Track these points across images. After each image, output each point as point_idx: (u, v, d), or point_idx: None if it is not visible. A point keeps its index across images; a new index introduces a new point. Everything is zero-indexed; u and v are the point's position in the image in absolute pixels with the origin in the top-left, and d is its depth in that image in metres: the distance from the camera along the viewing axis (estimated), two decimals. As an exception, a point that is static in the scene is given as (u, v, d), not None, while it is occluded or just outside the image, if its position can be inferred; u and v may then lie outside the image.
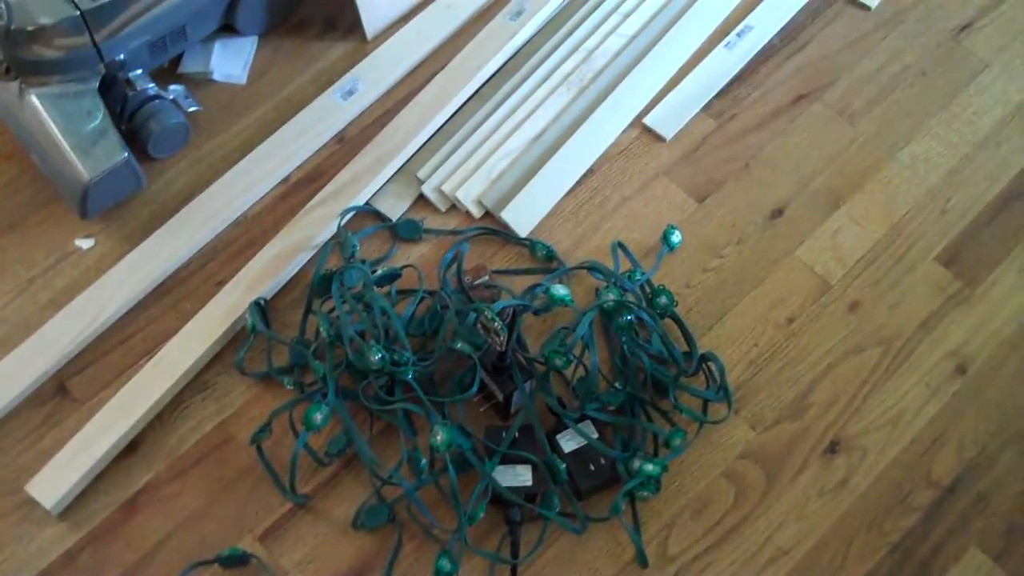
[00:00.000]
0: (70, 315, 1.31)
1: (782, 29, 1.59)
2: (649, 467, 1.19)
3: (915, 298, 1.37)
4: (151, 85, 1.40)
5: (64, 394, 1.29)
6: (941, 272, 1.39)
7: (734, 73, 1.54)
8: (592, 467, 1.22)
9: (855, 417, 1.29)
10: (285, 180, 1.45)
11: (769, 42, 1.58)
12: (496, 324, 1.14)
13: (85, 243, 1.39)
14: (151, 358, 1.30)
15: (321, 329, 1.25)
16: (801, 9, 1.61)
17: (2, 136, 1.46)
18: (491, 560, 1.19)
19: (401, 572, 1.19)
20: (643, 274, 1.35)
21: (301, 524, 1.22)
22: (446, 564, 1.16)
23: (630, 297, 1.29)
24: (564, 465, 1.20)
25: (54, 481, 1.21)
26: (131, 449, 1.26)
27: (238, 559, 1.19)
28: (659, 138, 1.49)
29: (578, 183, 1.45)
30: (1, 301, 1.34)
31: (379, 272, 1.31)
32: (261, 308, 1.31)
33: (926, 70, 1.56)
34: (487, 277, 1.34)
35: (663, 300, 1.30)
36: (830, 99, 1.53)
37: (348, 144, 1.48)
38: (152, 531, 1.21)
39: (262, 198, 1.43)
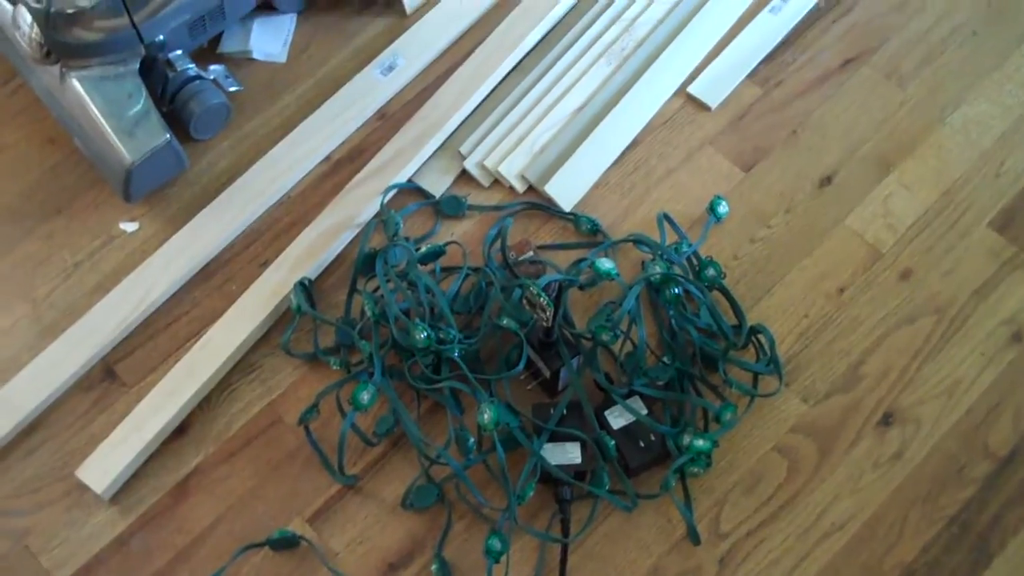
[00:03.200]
0: (116, 299, 1.32)
1: (828, -9, 1.57)
2: (699, 443, 1.18)
3: (969, 265, 1.35)
4: (191, 66, 1.39)
5: (112, 378, 1.29)
6: (995, 238, 1.36)
7: (780, 38, 1.51)
8: (642, 443, 1.20)
9: (909, 388, 1.27)
10: (327, 159, 1.44)
11: (815, 5, 1.55)
12: (542, 299, 1.12)
13: (130, 226, 1.39)
14: (197, 341, 1.30)
15: (366, 308, 1.24)
16: (847, -29, 1.58)
17: (45, 120, 1.46)
18: (542, 539, 1.19)
19: (451, 552, 1.19)
20: (690, 246, 1.33)
21: (350, 505, 1.22)
22: (496, 543, 1.15)
23: (677, 270, 1.27)
24: (613, 442, 1.19)
25: (104, 466, 1.22)
26: (180, 432, 1.26)
27: (288, 541, 1.19)
28: (704, 107, 1.47)
29: (622, 155, 1.43)
30: (48, 286, 1.35)
31: (423, 250, 1.30)
32: (306, 288, 1.30)
33: (977, 30, 1.52)
34: (532, 252, 1.33)
35: (711, 272, 1.29)
36: (878, 62, 1.50)
37: (389, 120, 1.47)
38: (202, 514, 1.22)
39: (304, 177, 1.43)
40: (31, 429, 1.26)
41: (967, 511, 1.21)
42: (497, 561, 1.15)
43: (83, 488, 1.22)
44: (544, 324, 1.15)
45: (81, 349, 1.29)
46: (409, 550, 1.19)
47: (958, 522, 1.20)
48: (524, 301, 1.15)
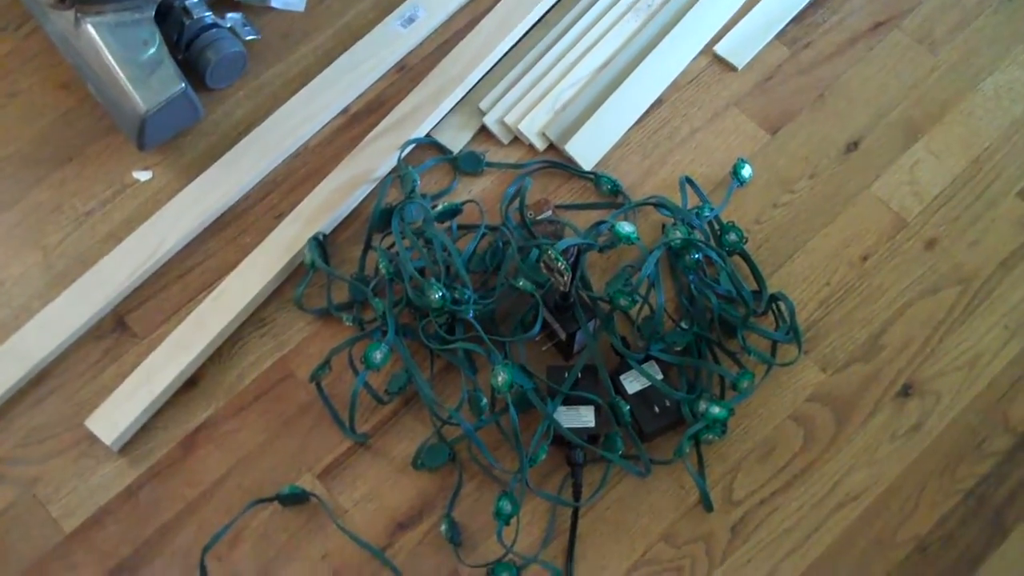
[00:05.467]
0: (128, 249, 1.30)
1: (860, -49, 1.53)
2: (715, 410, 1.16)
3: (996, 235, 1.32)
4: (208, 13, 1.37)
5: (123, 329, 1.28)
6: (1023, 208, 1.34)
7: (809, -2, 1.48)
8: (656, 409, 1.19)
9: (930, 359, 1.25)
10: (345, 111, 1.42)
11: (846, -35, 1.51)
12: (560, 264, 1.10)
13: (143, 175, 1.37)
14: (210, 293, 1.28)
15: (381, 266, 1.23)
16: (881, -70, 1.54)
17: (59, 66, 1.44)
18: (553, 502, 1.17)
19: (461, 512, 1.18)
20: (712, 210, 1.30)
21: (360, 462, 1.21)
22: (507, 505, 1.14)
23: (698, 235, 1.25)
24: (628, 407, 1.18)
25: (114, 416, 1.21)
26: (190, 385, 1.25)
27: (297, 497, 1.18)
28: (730, 67, 1.44)
29: (645, 114, 1.41)
30: (59, 234, 1.33)
31: (440, 207, 1.29)
32: (320, 244, 1.29)
33: (1012, -6, 1.49)
34: (550, 212, 1.31)
35: (732, 237, 1.26)
36: (910, 26, 1.46)
37: (409, 73, 1.44)
38: (211, 468, 1.21)
39: (321, 129, 1.41)
40: (41, 378, 1.25)
41: (984, 485, 1.19)
42: (507, 523, 1.15)
43: (92, 438, 1.21)
44: (562, 288, 1.13)
45: (92, 299, 1.27)
46: (419, 509, 1.19)
47: (975, 496, 1.19)
48: (542, 265, 1.13)
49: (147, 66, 1.28)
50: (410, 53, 1.46)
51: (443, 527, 1.16)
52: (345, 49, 1.45)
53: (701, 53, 1.45)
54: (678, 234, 1.22)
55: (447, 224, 1.30)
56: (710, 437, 1.19)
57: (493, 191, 1.36)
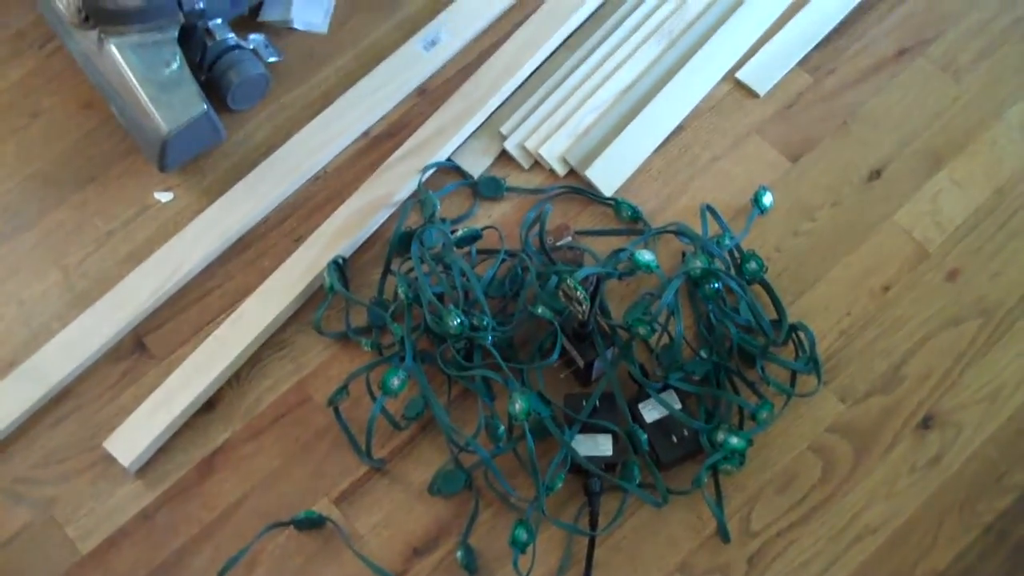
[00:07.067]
0: (148, 270, 1.30)
1: (885, -23, 1.52)
2: (734, 440, 1.16)
3: (1019, 267, 1.31)
4: (231, 35, 1.37)
5: (142, 350, 1.28)
6: (1047, 240, 1.33)
7: (833, 25, 1.47)
8: (674, 438, 1.18)
9: (950, 392, 1.24)
10: (365, 134, 1.42)
11: (872, -10, 1.51)
12: (579, 293, 1.10)
13: (164, 196, 1.38)
14: (229, 315, 1.28)
15: (400, 291, 1.22)
16: (906, -44, 1.53)
17: (82, 85, 1.44)
18: (569, 531, 1.17)
19: (477, 539, 1.18)
20: (732, 238, 1.30)
21: (377, 488, 1.21)
22: (523, 534, 1.14)
23: (718, 264, 1.25)
24: (645, 435, 1.17)
25: (132, 438, 1.21)
26: (208, 407, 1.25)
27: (313, 522, 1.18)
28: (752, 93, 1.43)
29: (667, 140, 1.40)
30: (80, 254, 1.34)
31: (459, 233, 1.28)
32: (339, 267, 1.29)
33: (1038, 23, 1.48)
34: (570, 238, 1.31)
35: (752, 266, 1.25)
36: (935, 53, 1.46)
37: (430, 96, 1.44)
38: (228, 491, 1.21)
39: (342, 152, 1.41)
40: (60, 399, 1.26)
41: (1004, 520, 1.18)
42: (523, 552, 1.14)
43: (110, 460, 1.21)
44: (580, 317, 1.13)
45: (112, 320, 1.28)
46: (435, 536, 1.18)
47: (994, 531, 1.18)
48: (561, 293, 1.13)
49: (169, 87, 1.28)
50: (432, 76, 1.46)
51: (459, 554, 1.16)
52: (367, 71, 1.44)
53: (723, 79, 1.44)
54: (698, 263, 1.22)
55: (466, 249, 1.30)
56: (728, 467, 1.18)
57: (513, 216, 1.35)
